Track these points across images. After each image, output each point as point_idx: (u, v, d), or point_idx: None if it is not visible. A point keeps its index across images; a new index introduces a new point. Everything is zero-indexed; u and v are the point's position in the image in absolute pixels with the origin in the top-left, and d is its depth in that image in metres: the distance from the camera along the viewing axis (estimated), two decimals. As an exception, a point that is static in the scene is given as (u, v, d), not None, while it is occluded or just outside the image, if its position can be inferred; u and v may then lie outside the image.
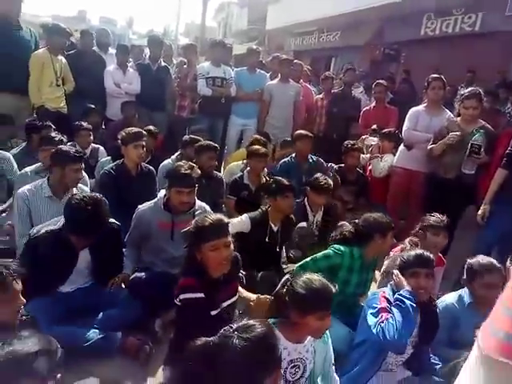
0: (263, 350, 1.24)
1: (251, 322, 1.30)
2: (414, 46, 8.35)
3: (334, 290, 1.63)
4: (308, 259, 2.59)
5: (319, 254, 2.54)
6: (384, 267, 2.80)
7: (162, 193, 2.63)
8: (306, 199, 3.41)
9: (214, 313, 1.90)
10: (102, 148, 4.21)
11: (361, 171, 4.30)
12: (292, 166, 4.03)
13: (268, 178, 3.57)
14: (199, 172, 2.66)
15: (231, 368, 1.22)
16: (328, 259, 2.48)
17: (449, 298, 2.31)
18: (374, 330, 1.89)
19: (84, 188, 2.95)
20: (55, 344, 1.24)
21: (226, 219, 1.92)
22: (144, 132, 3.45)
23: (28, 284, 1.61)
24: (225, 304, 1.97)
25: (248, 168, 3.73)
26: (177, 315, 1.96)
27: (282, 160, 4.17)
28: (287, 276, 1.71)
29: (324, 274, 2.50)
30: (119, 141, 3.34)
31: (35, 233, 2.24)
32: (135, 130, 3.32)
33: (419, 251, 2.07)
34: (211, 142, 3.66)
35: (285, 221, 3.01)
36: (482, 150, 3.30)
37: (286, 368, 1.63)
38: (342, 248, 2.48)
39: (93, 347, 2.09)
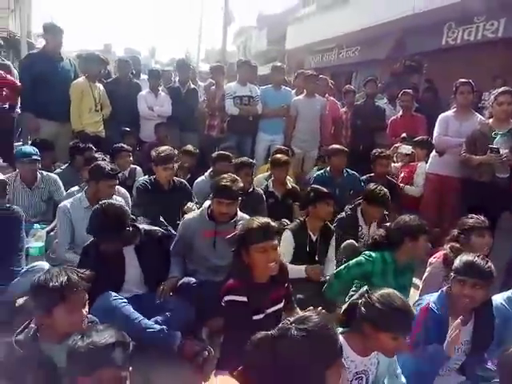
0: (321, 340, 1.26)
1: (307, 313, 1.34)
2: (435, 57, 8.35)
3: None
4: (342, 267, 2.63)
5: (352, 262, 2.59)
6: (427, 273, 2.78)
7: (207, 203, 2.75)
8: (359, 211, 3.33)
9: (257, 317, 1.94)
10: (139, 168, 4.40)
11: (390, 178, 4.27)
12: (326, 179, 4.03)
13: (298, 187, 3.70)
14: (241, 185, 2.71)
15: (291, 359, 1.25)
16: (360, 266, 2.51)
17: (497, 299, 2.28)
18: None
19: (120, 199, 3.08)
20: (128, 337, 1.32)
21: (273, 223, 1.98)
22: (175, 154, 3.61)
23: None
24: (269, 310, 2.00)
25: (272, 178, 3.91)
26: (224, 318, 2.02)
27: (316, 173, 4.23)
28: (365, 287, 1.69)
29: (359, 281, 2.56)
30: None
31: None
32: (166, 152, 3.45)
33: (470, 258, 1.97)
34: (247, 159, 3.79)
35: (323, 229, 3.05)
36: (503, 151, 3.29)
37: (352, 381, 1.64)
38: (373, 254, 2.51)
39: (155, 339, 2.19)
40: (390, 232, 2.52)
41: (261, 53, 19.58)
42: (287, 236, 2.95)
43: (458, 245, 2.71)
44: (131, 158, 4.29)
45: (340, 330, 1.63)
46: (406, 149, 4.35)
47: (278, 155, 4.00)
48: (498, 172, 3.41)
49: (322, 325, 1.30)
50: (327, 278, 2.85)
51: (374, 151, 4.20)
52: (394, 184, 4.20)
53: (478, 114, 3.83)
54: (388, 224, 2.62)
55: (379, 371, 1.72)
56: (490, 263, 1.97)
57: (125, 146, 4.24)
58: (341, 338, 1.46)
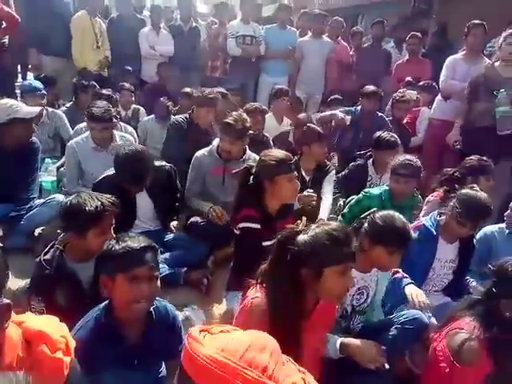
0: (334, 239, 1.37)
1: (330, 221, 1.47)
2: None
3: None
4: (346, 208, 2.75)
5: (352, 201, 2.71)
6: (423, 211, 2.91)
7: (216, 141, 2.81)
8: (370, 161, 3.26)
9: (266, 244, 2.05)
10: (142, 109, 4.37)
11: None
12: (355, 121, 3.89)
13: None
14: (247, 125, 2.73)
15: (309, 250, 1.35)
16: (359, 203, 2.63)
17: (488, 228, 2.43)
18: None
19: (129, 137, 3.14)
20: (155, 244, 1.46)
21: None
22: (217, 99, 3.43)
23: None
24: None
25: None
26: (236, 245, 2.16)
27: (347, 108, 4.06)
28: (374, 209, 1.86)
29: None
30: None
31: (96, 180, 2.47)
32: (213, 94, 3.35)
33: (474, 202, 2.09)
34: (260, 105, 3.74)
35: (317, 170, 3.11)
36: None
37: (353, 295, 1.80)
38: (371, 190, 2.64)
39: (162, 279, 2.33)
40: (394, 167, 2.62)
41: (263, -8, 18.59)
42: None
43: (458, 186, 2.82)
44: (133, 98, 4.25)
45: None
46: (412, 94, 4.30)
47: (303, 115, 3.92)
48: (500, 128, 3.38)
49: (342, 229, 1.42)
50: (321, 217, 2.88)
51: (394, 95, 4.06)
52: (407, 130, 4.14)
53: (487, 59, 3.77)
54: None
55: (378, 288, 1.89)
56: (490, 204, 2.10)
57: (126, 84, 4.18)
58: None
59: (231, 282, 2.18)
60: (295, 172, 2.14)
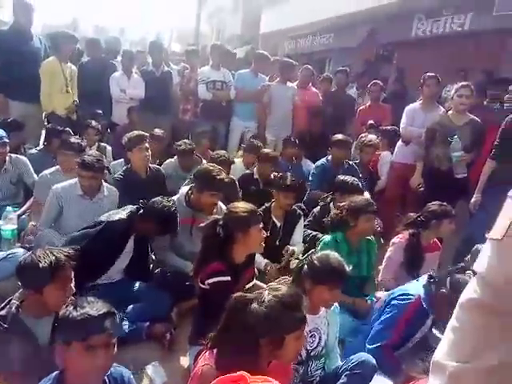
0: (290, 307, 1.41)
1: (281, 283, 1.52)
2: (406, 47, 8.58)
3: (347, 269, 1.86)
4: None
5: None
6: (388, 253, 2.98)
7: (184, 189, 2.79)
8: (331, 204, 3.31)
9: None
10: (108, 147, 4.36)
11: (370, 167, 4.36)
12: (326, 170, 3.99)
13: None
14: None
15: (261, 320, 1.38)
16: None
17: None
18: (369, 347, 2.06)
19: (114, 189, 3.11)
20: (114, 309, 1.43)
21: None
22: (146, 134, 3.51)
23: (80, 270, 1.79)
24: (246, 287, 2.18)
25: (256, 167, 3.92)
26: (201, 299, 2.13)
27: (319, 162, 4.14)
28: (311, 250, 1.98)
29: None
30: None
31: (107, 219, 2.44)
32: (136, 133, 3.41)
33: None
34: (226, 155, 3.77)
35: (288, 217, 3.15)
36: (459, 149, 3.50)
37: (305, 337, 1.80)
38: (325, 239, 2.72)
39: (123, 337, 2.26)
40: (343, 212, 2.69)
41: (235, 36, 19.34)
42: None
43: (421, 229, 2.93)
44: (97, 137, 4.25)
45: None
46: (373, 138, 4.48)
47: (266, 150, 4.03)
48: (457, 173, 3.60)
49: (293, 293, 1.45)
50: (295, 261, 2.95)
51: (361, 139, 4.26)
52: (375, 174, 4.35)
53: (442, 107, 4.04)
54: (342, 204, 2.77)
55: (330, 330, 1.93)
56: None
57: (92, 122, 4.20)
58: None
59: (194, 336, 2.12)
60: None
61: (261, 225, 2.15)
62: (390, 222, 3.83)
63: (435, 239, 3.04)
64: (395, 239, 3.02)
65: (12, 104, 4.26)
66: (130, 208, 2.50)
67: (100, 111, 4.80)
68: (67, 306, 1.41)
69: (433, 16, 7.57)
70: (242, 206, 2.16)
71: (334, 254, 1.91)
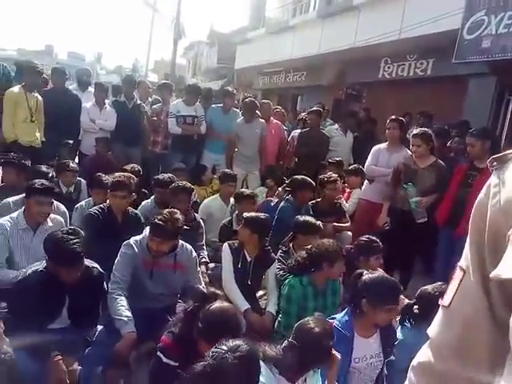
0: (252, 364, 1.41)
1: (237, 342, 1.46)
2: (374, 87, 8.98)
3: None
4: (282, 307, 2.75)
5: (283, 301, 2.71)
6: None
7: (147, 230, 2.64)
8: (291, 245, 3.23)
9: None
10: (83, 181, 4.19)
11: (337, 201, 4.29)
12: (293, 210, 3.80)
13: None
14: (179, 225, 2.58)
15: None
16: (289, 298, 2.64)
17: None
18: None
19: (59, 219, 2.96)
20: None
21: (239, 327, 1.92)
22: (128, 183, 3.20)
23: (12, 323, 1.65)
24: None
25: (236, 212, 3.80)
26: (151, 365, 2.00)
27: (282, 204, 3.97)
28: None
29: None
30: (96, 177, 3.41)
31: (22, 274, 2.27)
32: (117, 178, 3.20)
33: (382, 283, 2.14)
34: (187, 184, 3.62)
35: (260, 255, 3.02)
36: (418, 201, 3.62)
37: None
38: (291, 281, 2.67)
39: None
40: (311, 255, 2.66)
41: (211, 69, 19.78)
42: (225, 248, 3.04)
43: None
44: (74, 178, 4.05)
45: None
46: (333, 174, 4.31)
47: (244, 189, 4.01)
48: (417, 219, 3.68)
49: (252, 351, 1.42)
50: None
51: (321, 177, 4.22)
52: (342, 207, 4.27)
53: (407, 149, 4.16)
54: (309, 247, 2.75)
55: None
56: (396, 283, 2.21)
57: (70, 164, 4.02)
58: None
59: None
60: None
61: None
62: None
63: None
64: None
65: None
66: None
67: (70, 142, 4.72)
68: None
69: (398, 60, 8.00)
70: (218, 316, 1.83)
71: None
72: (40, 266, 2.27)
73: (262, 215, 3.12)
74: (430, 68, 7.39)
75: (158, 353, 1.90)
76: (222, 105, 5.49)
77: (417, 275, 4.02)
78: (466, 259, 0.69)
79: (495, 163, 0.65)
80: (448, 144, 4.92)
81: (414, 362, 0.81)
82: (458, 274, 0.71)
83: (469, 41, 5.85)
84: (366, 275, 2.14)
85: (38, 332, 2.10)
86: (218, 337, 1.63)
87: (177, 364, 1.86)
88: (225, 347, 1.42)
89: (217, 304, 1.85)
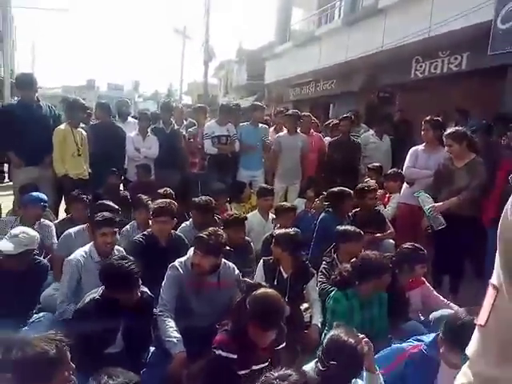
0: None
1: (289, 371, 1.46)
2: (406, 88, 8.78)
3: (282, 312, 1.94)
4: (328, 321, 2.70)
5: (328, 315, 2.69)
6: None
7: (191, 251, 2.71)
8: (335, 256, 3.24)
9: (242, 372, 2.01)
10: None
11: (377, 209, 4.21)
12: (332, 221, 3.76)
13: None
14: (222, 240, 2.67)
15: None
16: (334, 312, 2.62)
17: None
18: None
19: (119, 249, 3.08)
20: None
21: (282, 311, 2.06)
22: (168, 208, 3.27)
23: (75, 349, 1.76)
24: (256, 367, 2.06)
25: (278, 225, 3.84)
26: (208, 364, 2.07)
27: (323, 215, 3.98)
28: None
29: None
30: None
31: (81, 303, 2.42)
32: (158, 204, 3.28)
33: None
34: (239, 215, 3.64)
35: (298, 269, 3.02)
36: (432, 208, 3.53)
37: None
38: (335, 295, 2.64)
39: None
40: (356, 269, 2.62)
41: (241, 86, 20.14)
42: (259, 265, 3.10)
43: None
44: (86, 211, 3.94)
45: None
46: (371, 183, 4.29)
47: (283, 203, 4.10)
48: (434, 224, 3.58)
49: (302, 381, 1.42)
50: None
51: (360, 186, 4.10)
52: (382, 215, 4.18)
53: (444, 149, 4.04)
54: (354, 260, 2.72)
55: None
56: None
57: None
58: None
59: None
60: (273, 330, 2.00)
61: (270, 333, 1.99)
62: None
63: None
64: None
65: (28, 169, 4.45)
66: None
67: (115, 169, 4.98)
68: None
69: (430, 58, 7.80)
70: (267, 303, 2.01)
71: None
72: (96, 294, 2.39)
73: (291, 231, 3.08)
74: (465, 63, 7.13)
75: (214, 351, 1.97)
76: (250, 121, 5.61)
77: (468, 278, 3.85)
78: (498, 277, 0.67)
79: None
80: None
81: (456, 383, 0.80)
82: (491, 293, 0.69)
83: (504, 30, 5.65)
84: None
85: (96, 357, 2.21)
86: (265, 318, 1.90)
87: (235, 356, 1.94)
88: (275, 374, 1.43)
89: (261, 289, 2.05)
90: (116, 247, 3.06)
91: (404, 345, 2.10)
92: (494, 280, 0.68)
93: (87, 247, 2.93)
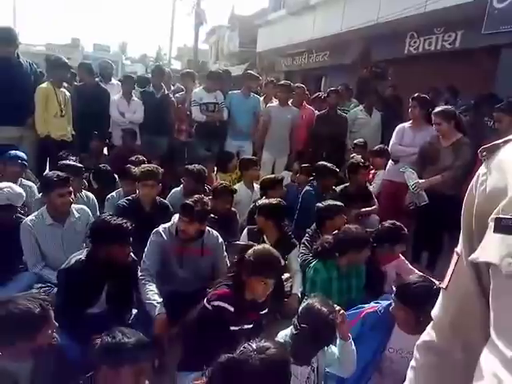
0: (275, 371, 1.40)
1: (267, 343, 1.46)
2: (400, 64, 8.69)
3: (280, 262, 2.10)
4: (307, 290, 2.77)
5: (308, 284, 2.78)
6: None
7: (175, 217, 2.73)
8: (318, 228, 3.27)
9: (233, 328, 2.07)
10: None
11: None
12: (315, 196, 3.87)
13: None
14: (206, 207, 2.71)
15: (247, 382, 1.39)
16: (314, 281, 2.71)
17: None
18: None
19: (86, 210, 3.07)
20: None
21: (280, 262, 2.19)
22: (155, 171, 3.32)
23: (58, 309, 1.79)
24: (245, 326, 2.13)
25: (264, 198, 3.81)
26: (198, 322, 2.13)
27: (305, 189, 4.05)
28: None
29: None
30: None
31: (66, 264, 2.40)
32: (146, 168, 3.30)
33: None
34: (228, 186, 3.66)
35: (281, 240, 3.06)
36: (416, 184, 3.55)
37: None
38: (315, 265, 2.72)
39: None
40: (337, 241, 2.69)
41: (233, 53, 19.63)
42: (244, 233, 3.18)
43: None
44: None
45: None
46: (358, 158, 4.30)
47: (272, 176, 4.09)
48: (417, 201, 3.62)
49: (280, 355, 1.44)
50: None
51: (353, 161, 4.11)
52: (369, 190, 4.26)
53: (432, 127, 4.05)
54: (336, 232, 2.77)
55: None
56: None
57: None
58: None
59: (184, 363, 2.11)
60: (272, 279, 2.10)
61: (269, 280, 2.09)
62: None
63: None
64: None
65: (6, 129, 4.28)
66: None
67: (95, 132, 4.85)
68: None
69: (425, 34, 7.70)
70: (263, 252, 2.15)
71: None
72: (81, 255, 2.40)
73: (274, 201, 3.16)
74: (459, 40, 7.08)
75: (207, 303, 2.06)
76: (241, 89, 5.48)
77: (445, 255, 3.97)
78: (460, 244, 0.72)
79: (485, 153, 0.67)
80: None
81: (419, 341, 0.85)
82: (454, 258, 0.74)
83: (499, 10, 5.57)
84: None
85: (79, 317, 2.25)
86: (266, 266, 2.04)
87: (232, 309, 2.01)
88: (254, 346, 1.43)
89: (259, 246, 2.25)
90: (74, 206, 3.00)
91: (365, 306, 2.18)
92: (458, 247, 0.73)
93: (40, 210, 2.88)
